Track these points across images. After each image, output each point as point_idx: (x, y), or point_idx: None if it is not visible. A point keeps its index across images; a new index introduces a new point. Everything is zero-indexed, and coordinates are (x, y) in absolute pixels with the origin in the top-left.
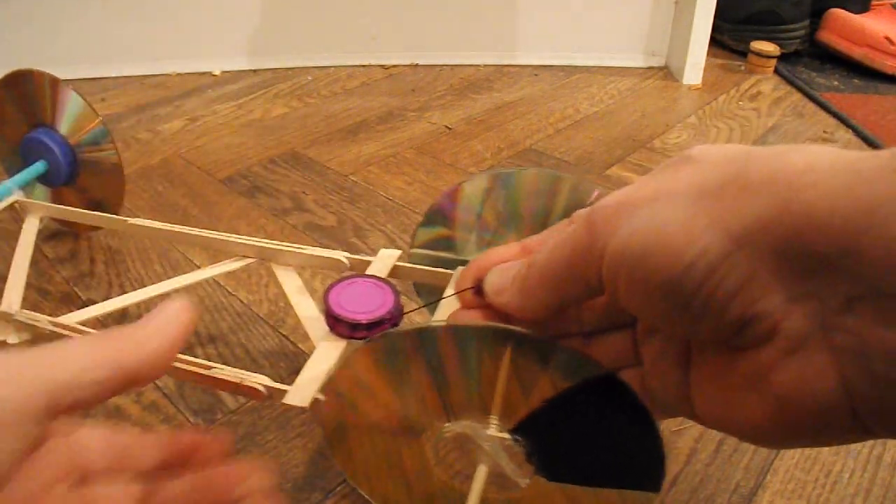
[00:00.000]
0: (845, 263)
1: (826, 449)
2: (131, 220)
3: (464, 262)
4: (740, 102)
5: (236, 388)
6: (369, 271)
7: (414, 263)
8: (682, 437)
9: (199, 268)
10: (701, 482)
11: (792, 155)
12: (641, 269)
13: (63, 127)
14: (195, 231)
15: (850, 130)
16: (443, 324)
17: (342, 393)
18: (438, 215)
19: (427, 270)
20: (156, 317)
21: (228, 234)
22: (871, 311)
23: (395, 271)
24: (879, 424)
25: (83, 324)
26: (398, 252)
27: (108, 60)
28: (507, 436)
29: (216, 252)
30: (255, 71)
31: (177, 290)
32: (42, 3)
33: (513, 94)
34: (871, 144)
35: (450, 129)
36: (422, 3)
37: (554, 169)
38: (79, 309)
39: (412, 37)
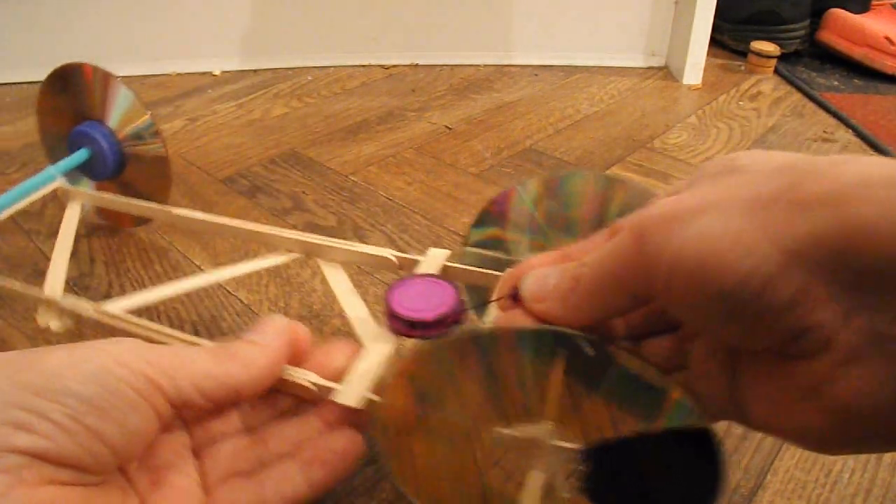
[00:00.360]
0: None
1: None
2: (175, 211)
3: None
4: (740, 102)
5: (284, 385)
6: (418, 270)
7: (465, 264)
8: None
9: (199, 268)
10: None
11: (846, 167)
12: (698, 280)
13: (111, 121)
14: (241, 223)
15: (850, 130)
16: (501, 328)
17: (397, 392)
18: (491, 216)
19: (476, 271)
20: (262, 334)
21: (272, 228)
22: None
23: (444, 271)
24: None
25: (129, 311)
26: (447, 252)
27: (108, 60)
28: (573, 448)
29: (247, 247)
30: (255, 71)
31: (219, 282)
32: (42, 4)
33: (513, 94)
34: (871, 144)
35: (450, 129)
36: (422, 3)
37: (553, 168)
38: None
39: (412, 37)
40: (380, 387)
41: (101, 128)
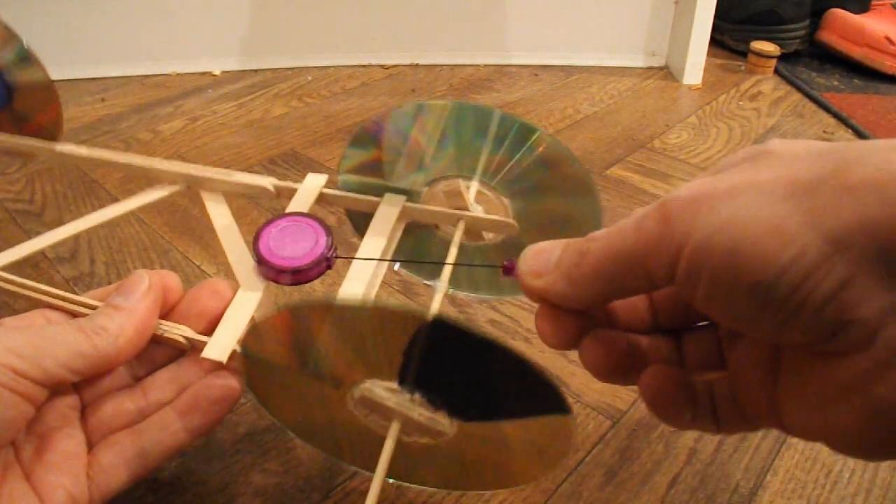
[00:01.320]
0: None
1: (826, 449)
2: (59, 147)
3: (392, 189)
4: (740, 102)
5: (157, 339)
6: (296, 199)
7: (344, 189)
8: (682, 436)
9: (199, 268)
10: (701, 482)
11: (894, 153)
12: (728, 269)
13: None
14: (122, 157)
15: (850, 130)
16: (369, 303)
17: (255, 343)
18: (366, 136)
19: (354, 198)
20: (127, 296)
21: (153, 159)
22: None
23: (322, 198)
24: None
25: (5, 269)
26: (325, 177)
27: (108, 60)
28: (396, 387)
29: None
30: (255, 71)
31: (98, 226)
32: (41, 4)
33: (513, 94)
34: None
35: None
36: (422, 3)
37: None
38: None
39: (412, 37)
40: (247, 339)
41: None
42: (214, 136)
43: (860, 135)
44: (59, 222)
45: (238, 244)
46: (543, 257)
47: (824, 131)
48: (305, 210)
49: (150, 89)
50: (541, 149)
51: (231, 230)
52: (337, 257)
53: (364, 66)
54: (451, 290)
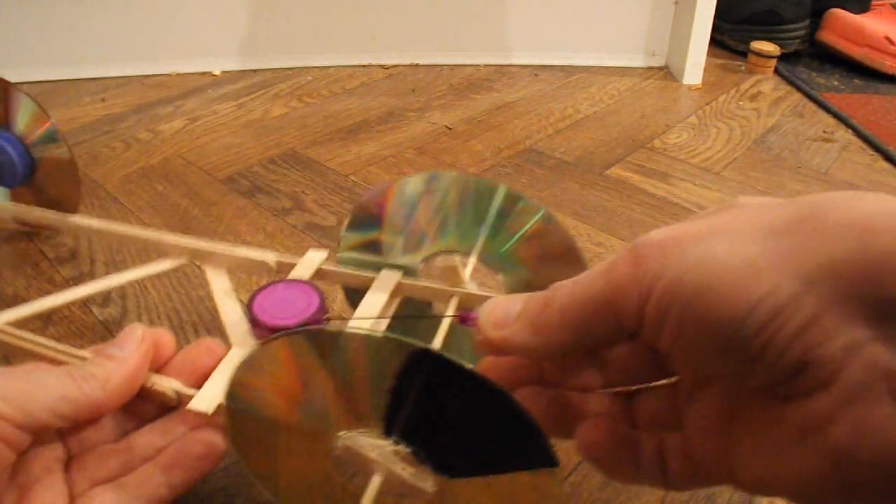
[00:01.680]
0: None
1: None
2: (70, 219)
3: (391, 266)
4: (740, 102)
5: (147, 393)
6: (293, 273)
7: (342, 266)
8: None
9: (198, 267)
10: None
11: (866, 199)
12: (697, 305)
13: (17, 127)
14: (129, 230)
15: (850, 130)
16: (357, 332)
17: (244, 390)
18: (366, 218)
19: (351, 274)
20: (120, 346)
21: (161, 233)
22: None
23: (319, 273)
24: None
25: (11, 324)
26: (325, 253)
27: (108, 60)
28: (384, 441)
29: (152, 252)
30: (255, 71)
31: (108, 291)
32: (40, 5)
33: (513, 94)
34: (871, 144)
35: (450, 129)
36: (422, 3)
37: (553, 168)
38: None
39: (412, 37)
40: (229, 390)
41: (7, 134)
42: (214, 136)
43: (860, 135)
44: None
45: (235, 310)
46: (505, 309)
47: (824, 131)
48: None
49: (150, 89)
50: (536, 227)
51: (229, 298)
52: (328, 320)
53: (364, 66)
54: None
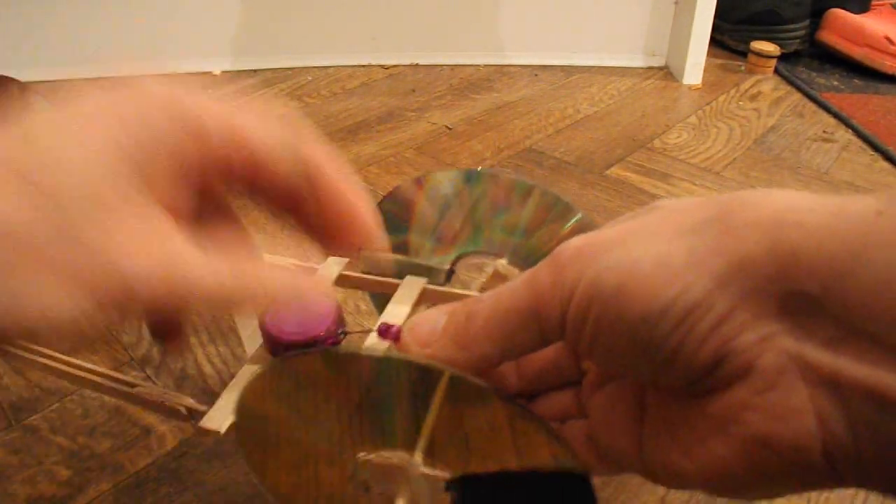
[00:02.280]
0: (828, 304)
1: None
2: None
3: (416, 268)
4: (740, 102)
5: (159, 408)
6: None
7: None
8: None
9: None
10: None
11: (775, 196)
12: (613, 306)
13: None
14: None
15: (850, 130)
16: (368, 353)
17: (254, 409)
18: (395, 222)
19: (373, 280)
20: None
21: None
22: (852, 351)
23: (341, 280)
24: (852, 470)
25: None
26: (345, 261)
27: (109, 60)
28: (441, 479)
29: None
30: (255, 71)
31: None
32: (41, 3)
33: (513, 94)
34: (871, 144)
35: (450, 129)
36: (422, 3)
37: (553, 168)
38: None
39: (412, 37)
40: (237, 408)
41: None
42: None
43: (860, 135)
44: None
45: (252, 324)
46: (429, 325)
47: (824, 131)
48: None
49: None
50: (572, 228)
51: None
52: (345, 334)
53: (364, 66)
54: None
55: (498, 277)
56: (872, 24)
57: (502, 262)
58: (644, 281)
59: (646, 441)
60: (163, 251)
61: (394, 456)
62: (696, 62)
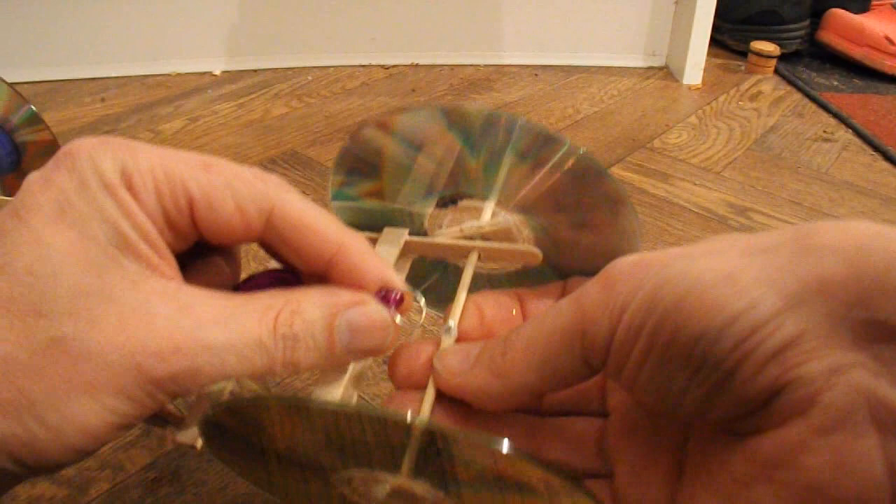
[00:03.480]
0: None
1: None
2: None
3: (394, 216)
4: (740, 102)
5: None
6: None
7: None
8: None
9: None
10: None
11: (856, 223)
12: (672, 318)
13: None
14: None
15: (850, 130)
16: (318, 405)
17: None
18: (361, 164)
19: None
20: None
21: None
22: None
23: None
24: None
25: None
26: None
27: (108, 60)
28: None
29: None
30: (255, 71)
31: None
32: (41, 3)
33: (513, 94)
34: (871, 144)
35: None
36: (422, 3)
37: None
38: None
39: (412, 37)
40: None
41: None
42: (214, 136)
43: (860, 135)
44: None
45: None
46: (462, 355)
47: (824, 131)
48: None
49: (150, 89)
50: (569, 164)
51: None
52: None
53: (364, 66)
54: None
55: (497, 228)
56: (872, 24)
57: (489, 205)
58: (708, 294)
59: (680, 493)
60: (181, 335)
61: (425, 487)
62: (696, 62)
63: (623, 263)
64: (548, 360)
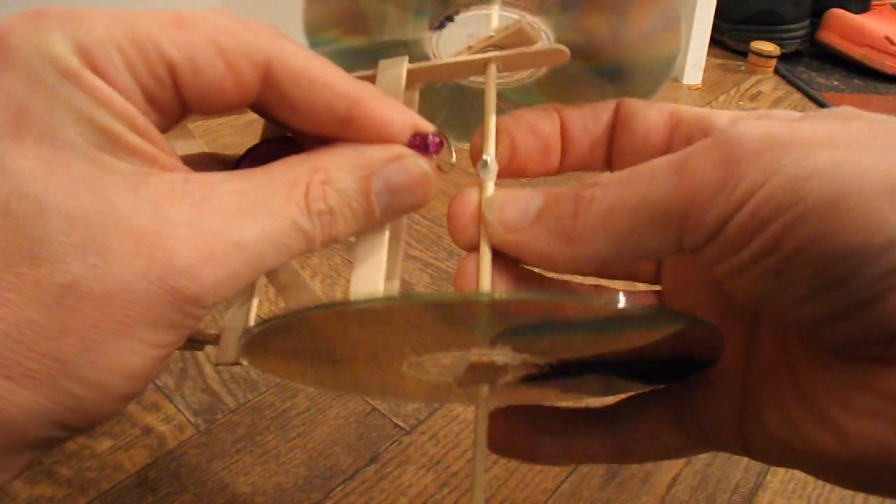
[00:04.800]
0: None
1: None
2: None
3: (386, 48)
4: (740, 102)
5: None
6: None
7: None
8: None
9: None
10: (701, 482)
11: None
12: (816, 224)
13: None
14: None
15: None
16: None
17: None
18: None
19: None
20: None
21: None
22: None
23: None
24: None
25: None
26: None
27: None
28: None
29: None
30: None
31: None
32: (41, 3)
33: None
34: None
35: None
36: None
37: None
38: None
39: None
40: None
41: None
42: (215, 135)
43: None
44: None
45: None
46: (518, 207)
47: None
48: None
49: None
50: None
51: None
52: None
53: None
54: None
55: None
56: (872, 24)
57: (494, 9)
58: (870, 205)
59: (758, 399)
60: (208, 244)
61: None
62: (696, 62)
63: (749, 134)
64: (632, 233)
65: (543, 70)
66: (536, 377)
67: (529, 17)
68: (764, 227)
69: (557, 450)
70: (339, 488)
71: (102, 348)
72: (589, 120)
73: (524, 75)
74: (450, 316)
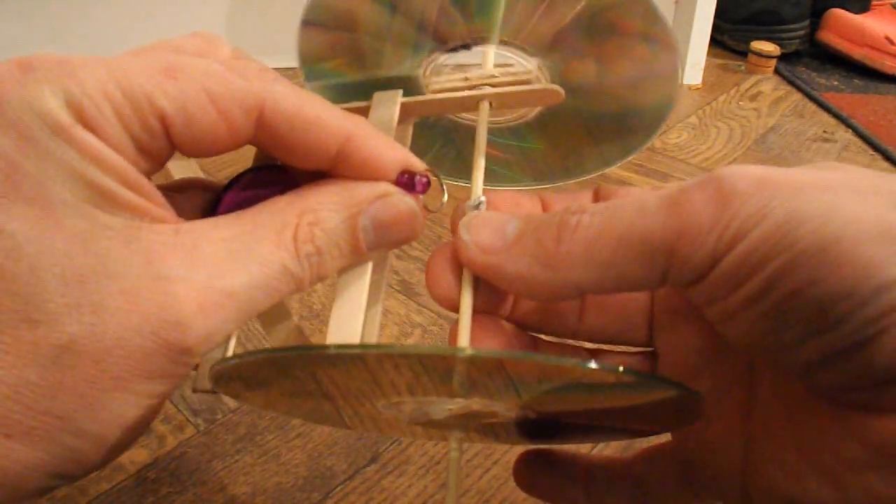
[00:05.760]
0: None
1: None
2: None
3: (381, 83)
4: (740, 102)
5: None
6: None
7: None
8: None
9: None
10: None
11: None
12: (809, 268)
13: None
14: None
15: (850, 130)
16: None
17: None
18: (332, 21)
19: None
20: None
21: None
22: None
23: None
24: None
25: None
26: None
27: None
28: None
29: None
30: None
31: None
32: (42, 3)
33: None
34: (871, 144)
35: None
36: None
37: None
38: None
39: None
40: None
41: None
42: None
43: (860, 135)
44: None
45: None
46: (494, 227)
47: (824, 131)
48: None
49: None
50: None
51: None
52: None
53: None
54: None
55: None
56: (872, 24)
57: (490, 49)
58: (861, 249)
59: (759, 455)
60: (202, 294)
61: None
62: (696, 62)
63: (742, 176)
64: (616, 263)
65: (536, 111)
66: (520, 422)
67: (524, 57)
68: (757, 270)
69: (580, 495)
70: (339, 488)
71: (100, 403)
72: (570, 201)
73: (518, 115)
74: (427, 367)
